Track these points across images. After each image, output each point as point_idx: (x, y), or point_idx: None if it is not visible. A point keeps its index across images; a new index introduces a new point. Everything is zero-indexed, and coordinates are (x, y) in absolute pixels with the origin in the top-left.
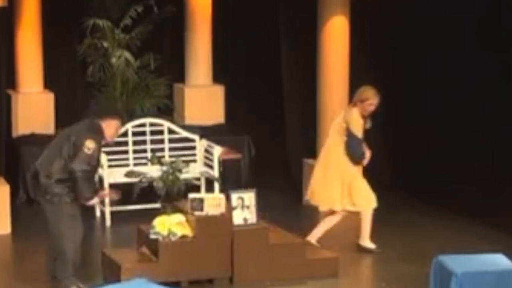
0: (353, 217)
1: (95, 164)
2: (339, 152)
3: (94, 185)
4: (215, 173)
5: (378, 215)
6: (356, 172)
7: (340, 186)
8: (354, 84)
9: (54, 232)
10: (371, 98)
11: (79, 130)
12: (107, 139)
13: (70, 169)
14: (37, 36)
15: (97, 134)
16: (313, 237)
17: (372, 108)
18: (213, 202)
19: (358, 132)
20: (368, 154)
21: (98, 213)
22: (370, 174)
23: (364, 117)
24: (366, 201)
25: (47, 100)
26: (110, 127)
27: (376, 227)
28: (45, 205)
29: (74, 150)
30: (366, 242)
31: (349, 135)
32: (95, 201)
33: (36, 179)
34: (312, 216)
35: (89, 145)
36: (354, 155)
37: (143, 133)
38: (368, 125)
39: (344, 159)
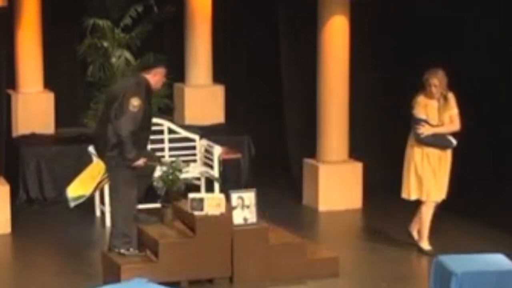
0: (354, 216)
1: (141, 122)
2: (411, 140)
3: (140, 146)
4: (215, 173)
5: (378, 215)
6: (416, 160)
7: (407, 175)
8: (354, 84)
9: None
10: (428, 79)
11: (124, 89)
12: (154, 88)
13: (116, 129)
14: (37, 36)
15: (142, 89)
16: (423, 239)
17: (432, 89)
18: (213, 202)
19: (417, 112)
20: (426, 129)
21: (98, 213)
22: (369, 173)
23: (438, 100)
24: (414, 193)
25: (47, 100)
26: (158, 75)
27: (376, 227)
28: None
29: (120, 110)
30: (422, 242)
31: (411, 118)
32: (140, 162)
33: (95, 146)
34: (312, 216)
35: (134, 102)
36: (415, 137)
37: None
38: (451, 109)
39: (408, 148)
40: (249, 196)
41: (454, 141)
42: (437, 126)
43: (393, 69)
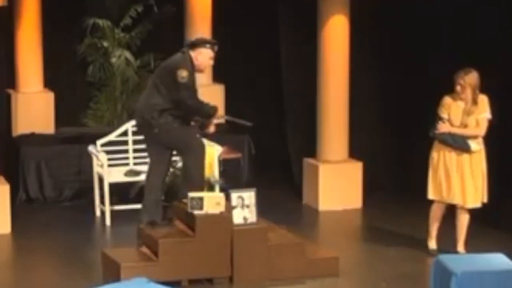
0: (354, 216)
1: (195, 90)
2: (435, 141)
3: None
4: (215, 172)
5: (378, 215)
6: (434, 160)
7: (429, 176)
8: (354, 84)
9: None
10: (455, 78)
11: (169, 64)
12: (198, 68)
13: (177, 100)
14: (37, 36)
15: (188, 63)
16: (429, 237)
17: (457, 89)
18: (212, 201)
19: (439, 111)
20: (442, 126)
21: (98, 213)
22: (369, 174)
23: (466, 102)
24: (430, 193)
25: (47, 100)
26: (201, 55)
27: (376, 227)
28: (157, 139)
29: (172, 84)
30: (429, 241)
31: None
32: (220, 113)
33: (140, 119)
34: (312, 216)
35: (181, 74)
36: (430, 134)
37: None
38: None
39: (432, 149)
40: (249, 196)
41: (473, 147)
42: (458, 127)
43: (393, 69)
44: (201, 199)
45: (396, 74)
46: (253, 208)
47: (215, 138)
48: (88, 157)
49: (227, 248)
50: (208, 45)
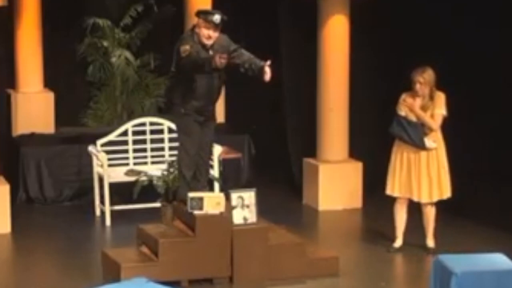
0: (354, 216)
1: (197, 59)
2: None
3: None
4: (215, 172)
5: (378, 215)
6: (392, 156)
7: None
8: (354, 84)
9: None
10: (414, 76)
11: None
12: (203, 42)
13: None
14: (37, 36)
15: (189, 37)
16: (395, 237)
17: (416, 86)
18: (212, 201)
19: (397, 109)
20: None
21: (98, 213)
22: (369, 173)
23: (422, 98)
24: (388, 188)
25: (47, 100)
26: (198, 27)
27: (376, 227)
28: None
29: (178, 59)
30: (395, 240)
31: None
32: (217, 58)
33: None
34: (312, 216)
35: (183, 48)
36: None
37: (143, 132)
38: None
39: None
40: (249, 196)
41: (428, 144)
42: (416, 122)
43: (393, 69)
44: (201, 199)
45: (396, 74)
46: (253, 208)
47: (215, 138)
48: (88, 157)
49: (227, 248)
50: (201, 15)
